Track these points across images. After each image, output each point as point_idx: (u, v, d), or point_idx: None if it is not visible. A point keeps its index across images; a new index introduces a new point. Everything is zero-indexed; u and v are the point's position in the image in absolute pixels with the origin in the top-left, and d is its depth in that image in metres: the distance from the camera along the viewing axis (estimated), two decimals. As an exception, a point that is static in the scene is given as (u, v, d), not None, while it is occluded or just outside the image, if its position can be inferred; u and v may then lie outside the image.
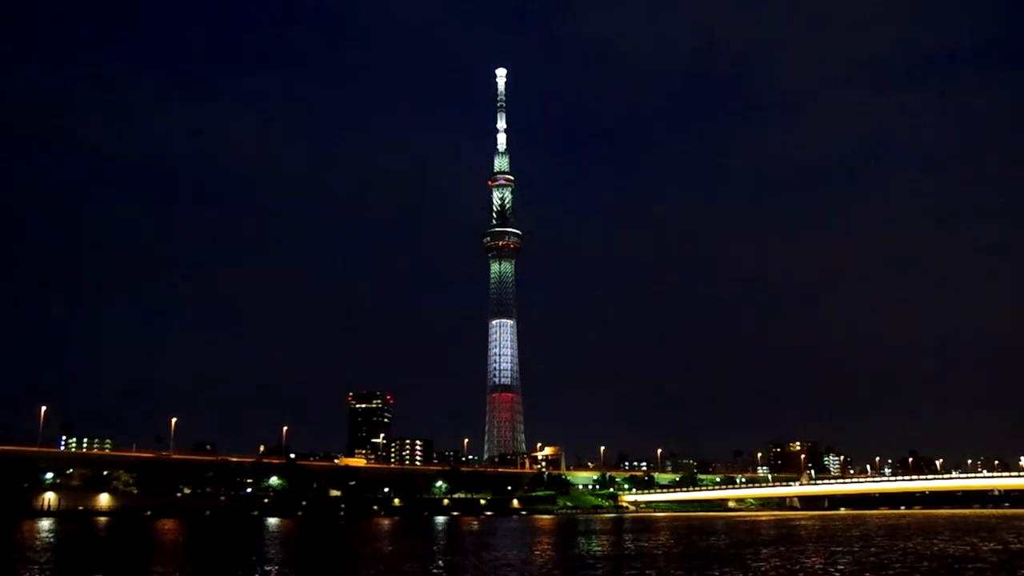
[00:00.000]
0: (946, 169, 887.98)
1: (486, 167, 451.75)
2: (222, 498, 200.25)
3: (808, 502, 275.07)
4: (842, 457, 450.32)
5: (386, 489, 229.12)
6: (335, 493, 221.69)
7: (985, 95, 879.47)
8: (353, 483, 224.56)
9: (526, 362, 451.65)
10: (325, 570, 51.67)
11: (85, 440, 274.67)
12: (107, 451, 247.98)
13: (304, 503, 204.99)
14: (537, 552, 68.46)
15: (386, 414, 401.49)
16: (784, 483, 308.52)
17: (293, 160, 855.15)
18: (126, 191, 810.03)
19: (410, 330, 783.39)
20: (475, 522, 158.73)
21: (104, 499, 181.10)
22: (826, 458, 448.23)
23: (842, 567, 50.94)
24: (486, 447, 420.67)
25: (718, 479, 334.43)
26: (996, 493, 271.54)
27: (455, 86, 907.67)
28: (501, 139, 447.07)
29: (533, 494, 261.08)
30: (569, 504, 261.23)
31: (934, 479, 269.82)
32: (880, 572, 47.57)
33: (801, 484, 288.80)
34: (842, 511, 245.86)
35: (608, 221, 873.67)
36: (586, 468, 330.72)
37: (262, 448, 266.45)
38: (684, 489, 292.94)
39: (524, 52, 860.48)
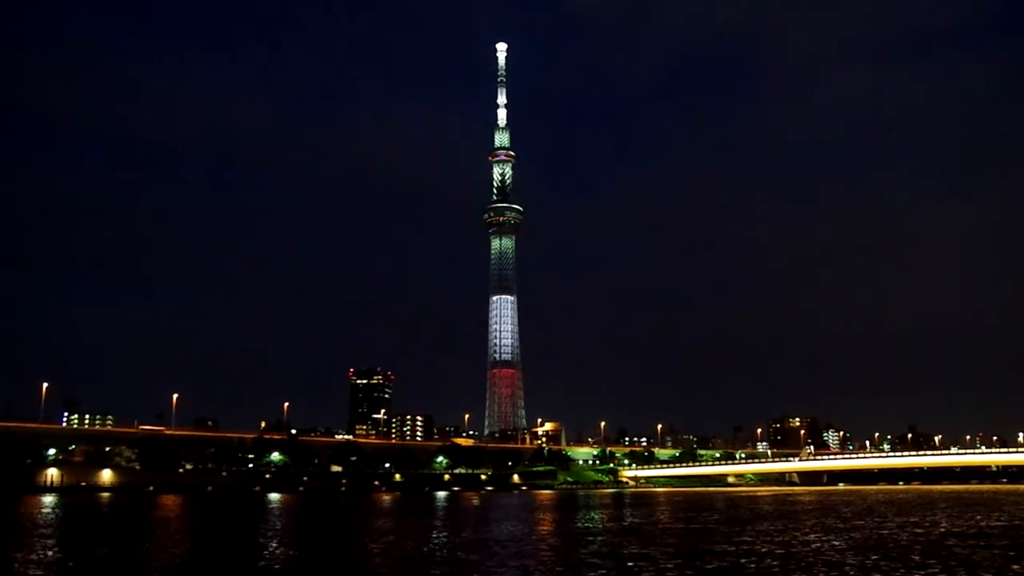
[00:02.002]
0: (948, 146, 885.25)
1: (487, 143, 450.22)
2: (224, 474, 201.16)
3: (807, 477, 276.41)
4: (841, 433, 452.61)
5: (387, 464, 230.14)
6: (336, 468, 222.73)
7: (988, 71, 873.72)
8: (354, 458, 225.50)
9: (526, 338, 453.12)
10: (327, 545, 51.82)
11: (87, 417, 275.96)
12: (109, 427, 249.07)
13: (305, 478, 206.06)
14: (538, 527, 68.65)
15: (387, 390, 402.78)
16: (784, 459, 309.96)
17: (292, 136, 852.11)
18: (125, 168, 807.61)
19: (411, 306, 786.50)
20: (476, 497, 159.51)
21: (106, 475, 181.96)
22: (825, 434, 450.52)
23: (838, 541, 51.05)
24: (487, 423, 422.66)
25: (718, 455, 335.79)
26: (994, 469, 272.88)
27: (455, 61, 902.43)
28: (501, 114, 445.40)
29: (533, 469, 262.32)
30: (569, 479, 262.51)
31: (932, 455, 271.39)
32: (877, 546, 47.68)
33: (800, 460, 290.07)
34: (841, 486, 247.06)
35: (608, 196, 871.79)
36: (586, 444, 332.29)
37: (263, 424, 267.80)
38: (684, 464, 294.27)
39: (525, 27, 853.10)
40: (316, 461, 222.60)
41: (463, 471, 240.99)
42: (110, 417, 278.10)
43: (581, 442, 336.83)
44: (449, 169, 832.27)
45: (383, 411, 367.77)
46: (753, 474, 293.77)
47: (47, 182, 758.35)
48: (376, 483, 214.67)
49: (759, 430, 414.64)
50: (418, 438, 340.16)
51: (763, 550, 46.32)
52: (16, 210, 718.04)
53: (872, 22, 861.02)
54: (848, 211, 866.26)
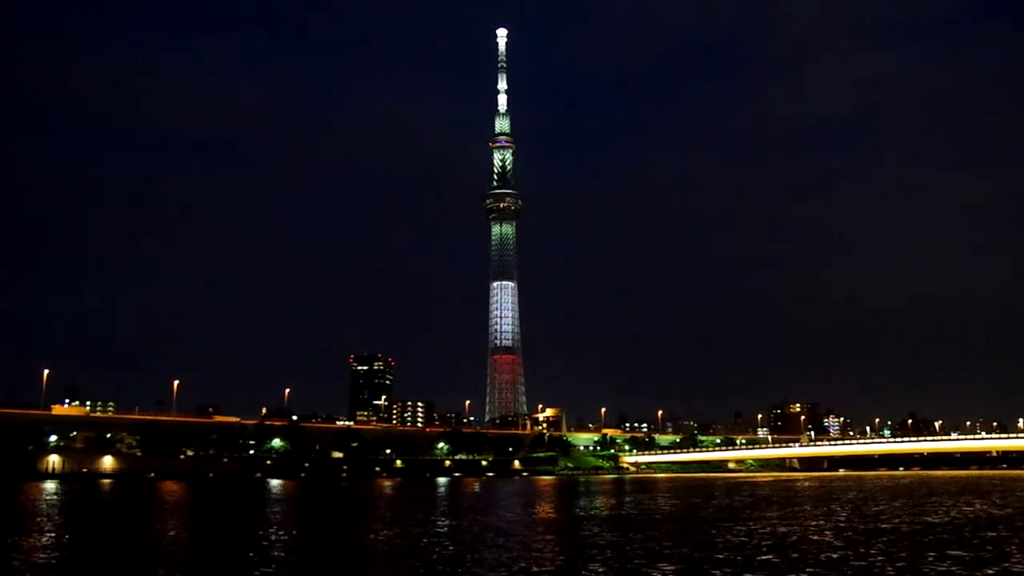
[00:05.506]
0: (947, 130, 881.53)
1: (487, 129, 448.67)
2: (225, 460, 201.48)
3: (808, 463, 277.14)
4: (842, 419, 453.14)
5: (388, 451, 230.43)
6: (337, 455, 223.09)
7: (987, 53, 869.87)
8: (355, 445, 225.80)
9: (527, 324, 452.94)
10: (329, 531, 51.76)
11: (88, 403, 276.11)
12: (110, 414, 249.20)
13: (306, 464, 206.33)
14: (537, 513, 68.61)
15: (387, 376, 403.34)
16: (784, 444, 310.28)
17: (293, 123, 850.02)
18: (126, 154, 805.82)
19: (411, 292, 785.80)
20: (476, 483, 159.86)
21: (108, 461, 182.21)
22: (826, 420, 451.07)
23: (837, 528, 50.99)
24: (487, 409, 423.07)
25: (718, 440, 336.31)
26: (994, 454, 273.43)
27: (456, 47, 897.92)
28: (502, 100, 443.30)
29: (534, 455, 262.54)
30: (570, 465, 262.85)
31: (933, 441, 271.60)
32: (874, 533, 47.61)
33: (801, 445, 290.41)
34: (841, 472, 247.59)
35: (608, 182, 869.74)
36: (587, 429, 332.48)
37: (264, 410, 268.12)
38: (684, 450, 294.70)
39: (525, 12, 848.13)
40: (317, 447, 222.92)
41: (464, 457, 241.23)
42: (111, 404, 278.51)
43: (582, 428, 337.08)
44: (449, 155, 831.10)
45: (384, 397, 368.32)
46: (753, 460, 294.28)
47: (48, 172, 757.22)
48: (377, 469, 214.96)
49: (759, 416, 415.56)
50: (419, 424, 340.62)
51: (761, 540, 46.22)
52: (18, 199, 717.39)
53: (871, 5, 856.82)
54: (847, 196, 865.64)
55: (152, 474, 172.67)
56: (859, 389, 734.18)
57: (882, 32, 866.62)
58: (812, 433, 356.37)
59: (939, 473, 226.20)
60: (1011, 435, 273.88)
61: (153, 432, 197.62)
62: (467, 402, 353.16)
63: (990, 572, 32.83)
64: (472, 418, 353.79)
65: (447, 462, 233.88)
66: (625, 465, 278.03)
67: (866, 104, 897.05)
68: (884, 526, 53.24)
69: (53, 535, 48.56)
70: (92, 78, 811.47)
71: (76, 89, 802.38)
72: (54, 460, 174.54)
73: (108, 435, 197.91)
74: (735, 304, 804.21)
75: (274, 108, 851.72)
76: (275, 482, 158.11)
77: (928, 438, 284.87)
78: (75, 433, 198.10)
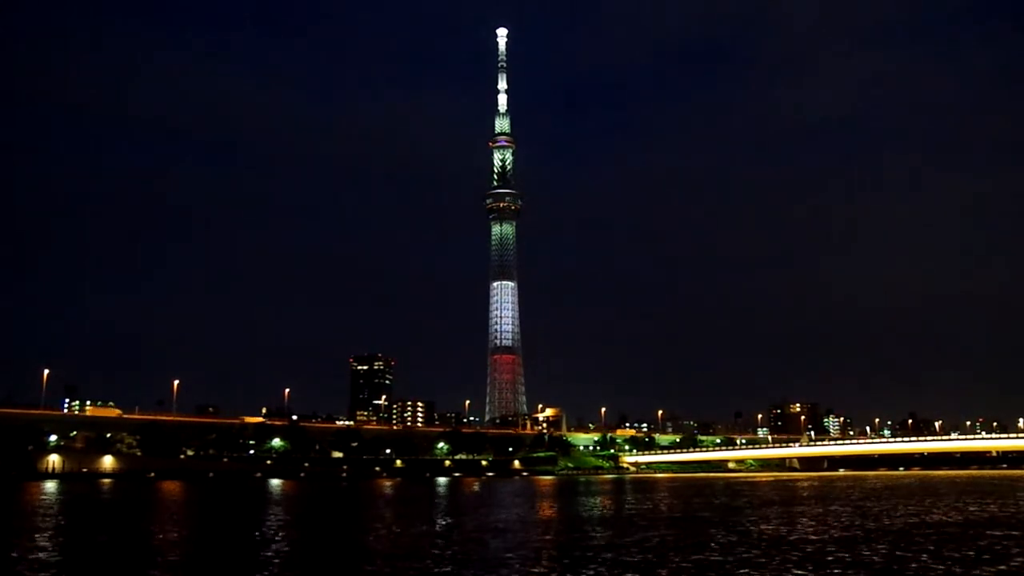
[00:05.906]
0: (947, 129, 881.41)
1: (487, 129, 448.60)
2: (225, 460, 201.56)
3: (808, 463, 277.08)
4: (842, 418, 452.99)
5: (388, 450, 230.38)
6: (337, 454, 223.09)
7: (987, 53, 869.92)
8: (355, 444, 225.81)
9: (527, 324, 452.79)
10: (329, 531, 51.73)
11: (88, 403, 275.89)
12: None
13: (306, 464, 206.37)
14: (536, 513, 68.56)
15: (388, 375, 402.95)
16: (784, 444, 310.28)
17: (293, 123, 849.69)
18: (127, 152, 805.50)
19: (411, 292, 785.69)
20: (476, 483, 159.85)
21: (108, 461, 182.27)
22: (826, 419, 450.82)
23: (837, 528, 50.95)
24: (487, 408, 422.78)
25: (718, 440, 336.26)
26: (994, 454, 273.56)
27: (456, 47, 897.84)
28: (502, 100, 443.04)
29: (534, 455, 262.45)
30: (570, 465, 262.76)
31: (933, 441, 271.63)
32: (874, 532, 47.58)
33: (801, 445, 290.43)
34: (841, 472, 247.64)
35: (609, 182, 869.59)
36: (587, 429, 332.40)
37: (264, 410, 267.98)
38: (684, 450, 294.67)
39: (525, 12, 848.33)
40: (317, 447, 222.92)
41: (464, 457, 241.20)
42: (111, 403, 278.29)
43: (582, 428, 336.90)
44: (449, 155, 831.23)
45: (384, 397, 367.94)
46: (753, 460, 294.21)
47: (48, 172, 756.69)
48: (377, 469, 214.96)
49: (759, 416, 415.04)
50: (419, 424, 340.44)
51: (761, 540, 46.16)
52: (18, 199, 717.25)
53: (871, 5, 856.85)
54: (847, 197, 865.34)
55: (152, 474, 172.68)
56: (859, 389, 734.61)
57: (882, 32, 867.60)
58: (812, 433, 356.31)
59: (939, 473, 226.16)
60: (1011, 435, 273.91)
61: (153, 432, 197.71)
62: (467, 402, 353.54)
63: (990, 572, 32.83)
64: (472, 418, 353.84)
65: (447, 462, 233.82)
66: (625, 465, 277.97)
67: (866, 104, 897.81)
68: (884, 526, 53.24)
69: (53, 535, 48.53)
70: (92, 78, 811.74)
71: (76, 89, 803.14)
72: (54, 460, 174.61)
73: (108, 435, 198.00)
74: (735, 304, 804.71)
75: (274, 108, 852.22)
76: (275, 482, 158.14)
77: (928, 438, 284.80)
78: (75, 433, 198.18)
